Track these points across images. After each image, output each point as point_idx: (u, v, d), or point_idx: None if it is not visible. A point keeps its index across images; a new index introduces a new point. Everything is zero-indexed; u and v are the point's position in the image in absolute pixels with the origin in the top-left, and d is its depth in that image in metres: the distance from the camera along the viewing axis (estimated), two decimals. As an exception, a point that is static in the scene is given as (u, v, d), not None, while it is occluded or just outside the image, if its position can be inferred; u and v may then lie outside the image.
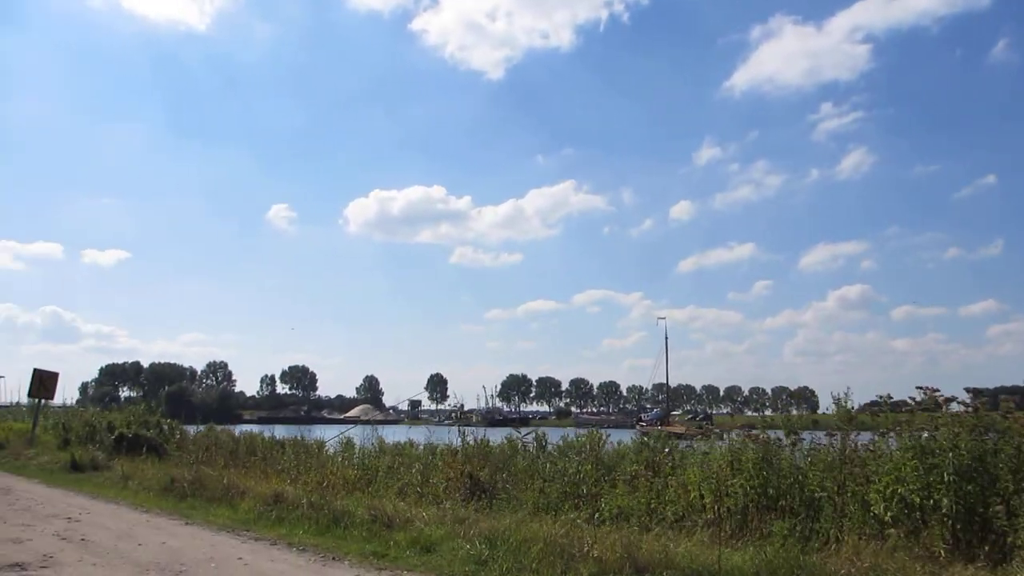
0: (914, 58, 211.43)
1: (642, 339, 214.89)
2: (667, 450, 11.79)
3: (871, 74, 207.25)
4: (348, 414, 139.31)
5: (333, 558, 9.53)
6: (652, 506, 10.13)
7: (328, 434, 21.41)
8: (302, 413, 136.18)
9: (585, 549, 8.32)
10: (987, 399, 10.22)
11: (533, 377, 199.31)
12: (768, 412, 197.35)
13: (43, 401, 28.42)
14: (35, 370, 26.97)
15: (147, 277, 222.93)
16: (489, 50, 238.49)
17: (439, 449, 15.95)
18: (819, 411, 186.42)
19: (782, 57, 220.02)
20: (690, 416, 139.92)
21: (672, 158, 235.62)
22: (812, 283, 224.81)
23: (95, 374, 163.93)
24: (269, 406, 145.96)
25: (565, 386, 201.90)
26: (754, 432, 10.20)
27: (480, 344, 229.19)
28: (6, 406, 43.28)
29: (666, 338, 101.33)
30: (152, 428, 24.43)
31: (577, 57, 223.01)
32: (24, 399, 35.81)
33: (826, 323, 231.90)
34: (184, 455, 19.91)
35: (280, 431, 25.49)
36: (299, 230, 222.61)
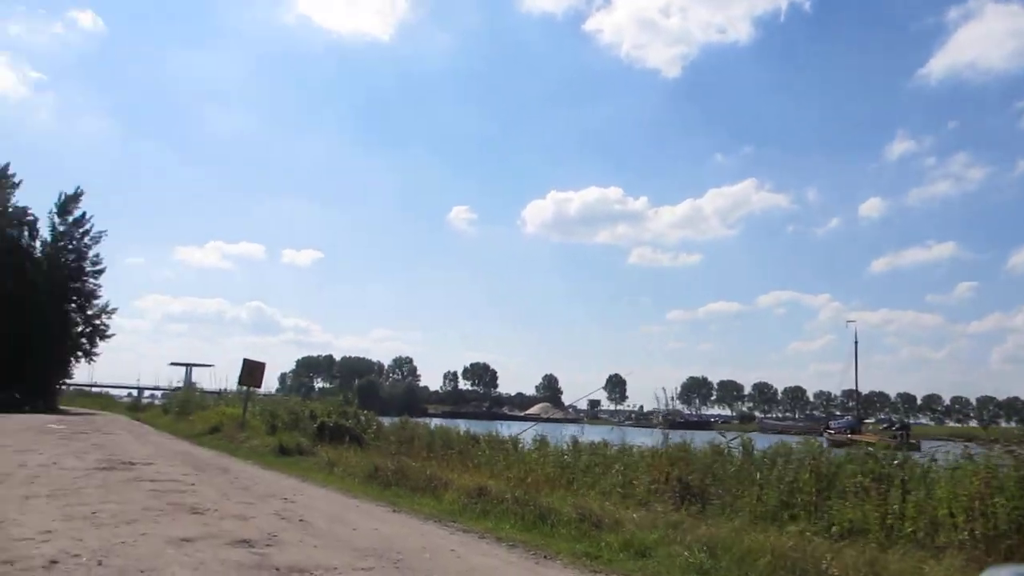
0: None
1: (830, 343, 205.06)
2: (896, 462, 10.72)
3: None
4: (528, 411, 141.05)
5: (545, 556, 9.26)
6: (888, 522, 9.20)
7: (510, 430, 21.46)
8: (484, 409, 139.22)
9: (823, 566, 7.60)
10: None
11: (714, 380, 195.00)
12: (973, 423, 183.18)
13: (250, 388, 30.11)
14: (245, 360, 28.62)
15: (339, 275, 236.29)
16: (664, 47, 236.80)
17: (636, 450, 15.47)
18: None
19: (985, 40, 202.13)
20: (885, 425, 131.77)
21: (860, 153, 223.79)
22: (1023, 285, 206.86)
23: (292, 365, 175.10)
24: (452, 401, 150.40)
25: (748, 390, 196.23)
26: (1016, 448, 9.02)
27: (660, 345, 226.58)
28: (217, 392, 46.51)
29: (855, 342, 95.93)
30: (350, 418, 25.36)
31: (756, 50, 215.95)
32: (232, 386, 38.31)
33: None
34: (384, 445, 20.48)
35: (463, 425, 25.86)
36: (479, 231, 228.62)
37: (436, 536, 10.24)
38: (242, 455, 21.02)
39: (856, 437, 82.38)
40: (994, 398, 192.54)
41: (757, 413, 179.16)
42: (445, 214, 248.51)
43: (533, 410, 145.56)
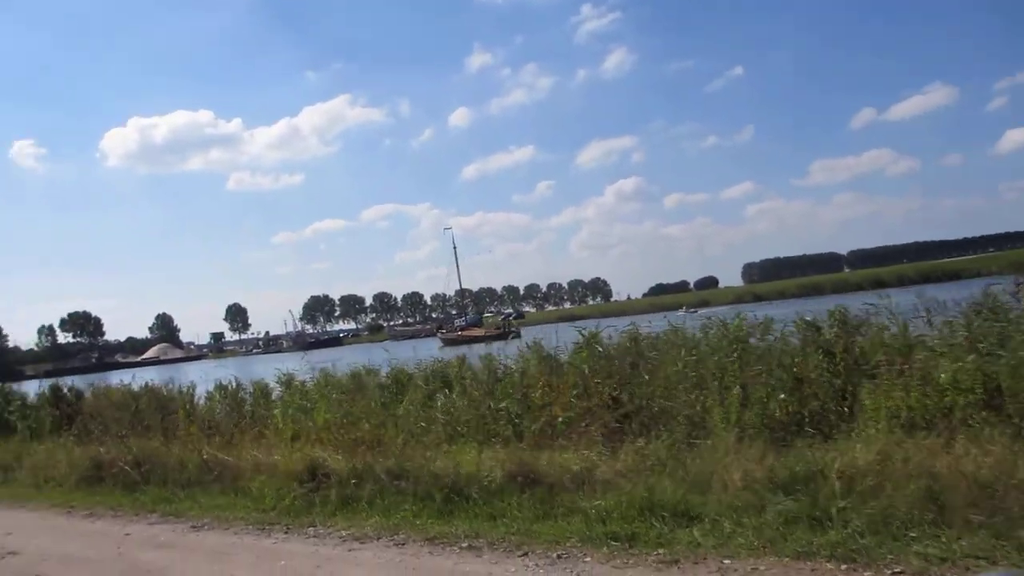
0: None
1: (435, 249, 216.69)
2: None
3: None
4: (145, 356, 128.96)
5: (558, 556, 5.82)
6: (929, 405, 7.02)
7: (124, 377, 17.02)
8: (93, 361, 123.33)
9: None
10: None
11: (335, 296, 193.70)
12: (567, 305, 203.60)
13: None
14: None
15: None
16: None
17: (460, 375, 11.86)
18: (612, 299, 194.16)
19: None
20: (503, 316, 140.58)
21: (445, 65, 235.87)
22: (590, 179, 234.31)
23: None
24: (53, 358, 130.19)
25: (369, 301, 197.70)
26: None
27: (270, 270, 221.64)
28: None
29: (454, 246, 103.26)
30: (-17, 397, 18.60)
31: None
32: None
33: (607, 216, 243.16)
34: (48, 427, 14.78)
35: (72, 382, 20.32)
36: (50, 168, 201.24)
37: (351, 563, 6.24)
38: None
39: (466, 333, 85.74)
40: (581, 280, 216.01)
41: (383, 323, 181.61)
42: (5, 150, 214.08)
43: (150, 353, 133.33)
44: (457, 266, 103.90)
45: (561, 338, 10.68)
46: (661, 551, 5.61)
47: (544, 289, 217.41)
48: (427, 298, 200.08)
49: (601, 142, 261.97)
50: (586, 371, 9.21)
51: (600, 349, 9.91)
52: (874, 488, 5.78)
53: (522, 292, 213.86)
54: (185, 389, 14.70)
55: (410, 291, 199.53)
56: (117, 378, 17.96)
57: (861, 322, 8.60)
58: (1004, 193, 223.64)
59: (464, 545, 6.30)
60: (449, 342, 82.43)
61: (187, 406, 14.24)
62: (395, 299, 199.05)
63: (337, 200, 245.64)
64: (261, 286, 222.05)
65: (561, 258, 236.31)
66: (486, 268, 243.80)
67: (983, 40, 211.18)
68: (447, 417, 9.91)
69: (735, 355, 8.72)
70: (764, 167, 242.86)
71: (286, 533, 7.33)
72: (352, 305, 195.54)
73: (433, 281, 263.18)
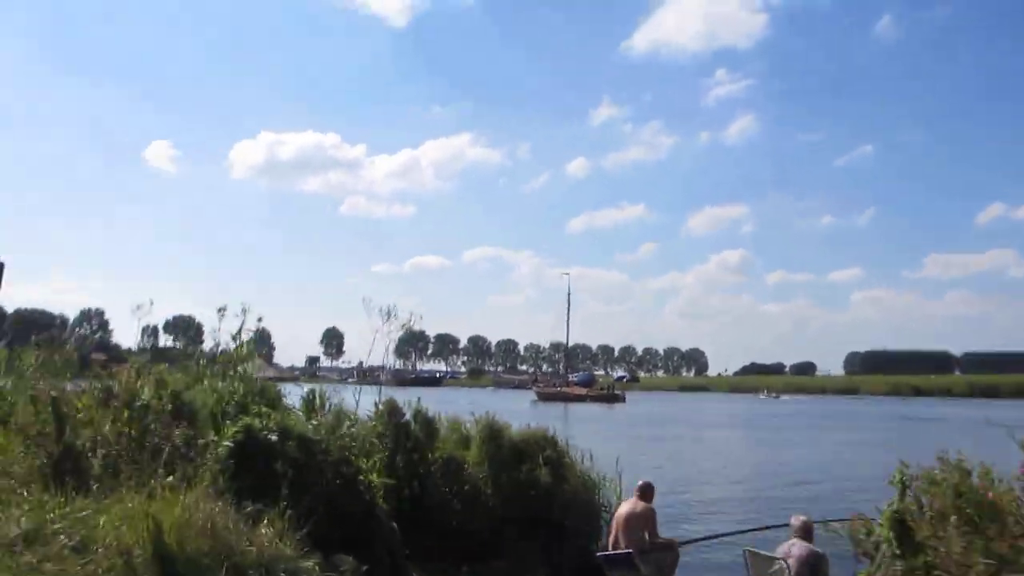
0: (806, 29, 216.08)
1: (531, 297, 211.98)
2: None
3: (766, 42, 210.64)
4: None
5: None
6: None
7: None
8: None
9: None
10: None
11: (430, 333, 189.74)
12: (660, 373, 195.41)
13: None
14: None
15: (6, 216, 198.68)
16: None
17: None
18: (708, 372, 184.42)
19: (682, 20, 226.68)
20: (618, 378, 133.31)
21: (571, 115, 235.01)
22: (696, 246, 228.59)
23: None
24: (152, 360, 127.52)
25: (463, 343, 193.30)
26: None
27: (369, 297, 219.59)
28: None
29: (568, 294, 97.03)
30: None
31: (482, 8, 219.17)
32: None
33: (707, 285, 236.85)
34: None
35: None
36: (181, 170, 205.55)
37: None
38: None
39: (566, 390, 78.54)
40: (678, 348, 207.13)
41: (486, 367, 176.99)
42: (141, 150, 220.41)
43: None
44: (568, 317, 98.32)
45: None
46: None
47: (640, 352, 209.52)
48: (520, 348, 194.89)
49: (713, 209, 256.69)
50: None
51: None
52: None
53: (616, 353, 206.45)
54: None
55: (504, 337, 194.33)
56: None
57: None
58: None
59: None
60: (544, 397, 75.74)
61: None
62: (489, 343, 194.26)
63: (443, 236, 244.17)
64: (352, 314, 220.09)
65: (652, 322, 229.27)
66: (577, 323, 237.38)
67: None
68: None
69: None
70: (877, 254, 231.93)
71: None
72: (446, 344, 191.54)
73: (527, 329, 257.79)
